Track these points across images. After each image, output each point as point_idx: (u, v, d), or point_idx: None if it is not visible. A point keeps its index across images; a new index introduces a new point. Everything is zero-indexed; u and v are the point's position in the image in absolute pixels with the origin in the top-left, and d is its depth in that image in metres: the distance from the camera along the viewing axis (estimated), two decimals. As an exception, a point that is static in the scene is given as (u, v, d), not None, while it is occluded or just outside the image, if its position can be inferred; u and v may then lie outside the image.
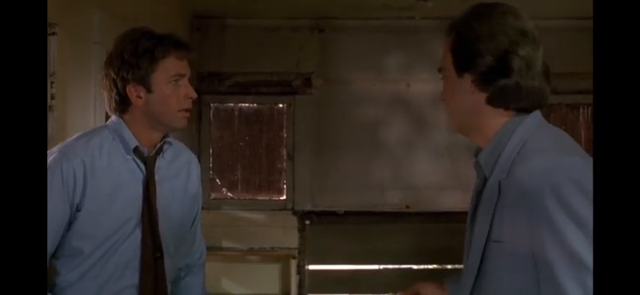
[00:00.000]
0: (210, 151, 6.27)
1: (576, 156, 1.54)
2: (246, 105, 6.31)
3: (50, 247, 2.17)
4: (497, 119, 1.63)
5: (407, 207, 6.03)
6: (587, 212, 1.44)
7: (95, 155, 2.23)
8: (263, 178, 6.32)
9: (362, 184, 6.11)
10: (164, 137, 2.35)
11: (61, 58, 3.20)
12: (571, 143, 1.62)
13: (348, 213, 6.13)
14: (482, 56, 1.59)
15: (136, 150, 2.29)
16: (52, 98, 3.16)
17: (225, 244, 6.11)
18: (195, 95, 2.36)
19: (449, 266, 6.14)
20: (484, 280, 1.59)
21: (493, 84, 1.60)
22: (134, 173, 2.29)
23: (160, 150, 2.34)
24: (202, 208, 6.16)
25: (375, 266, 6.24)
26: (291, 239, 6.15)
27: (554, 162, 1.50)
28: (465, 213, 5.83)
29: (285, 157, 6.24)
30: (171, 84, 2.26)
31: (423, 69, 6.01)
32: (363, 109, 6.11)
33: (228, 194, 6.30)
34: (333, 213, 6.13)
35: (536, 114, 1.62)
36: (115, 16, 3.92)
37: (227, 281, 6.10)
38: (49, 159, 2.17)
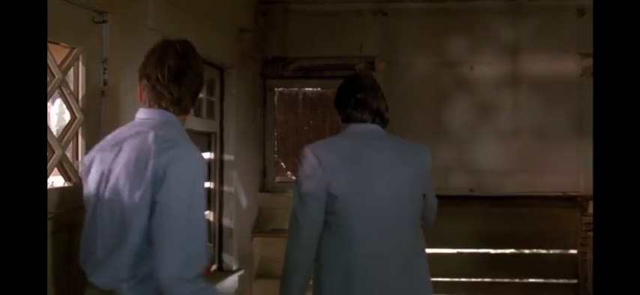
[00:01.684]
0: (275, 135, 6.34)
1: (325, 142, 3.13)
2: (310, 89, 6.35)
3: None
4: (345, 126, 3.14)
5: (471, 190, 5.98)
6: (302, 166, 3.02)
7: None
8: (326, 162, 6.35)
9: (425, 168, 6.08)
10: None
11: (112, 45, 3.30)
12: (348, 137, 3.08)
13: (411, 197, 6.12)
14: (338, 101, 3.19)
15: None
16: (105, 83, 3.28)
17: (290, 226, 6.16)
18: None
19: (512, 251, 6.10)
20: None
21: (342, 112, 3.15)
22: None
23: None
24: (267, 191, 6.29)
25: (438, 250, 6.23)
26: (353, 221, 6.18)
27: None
28: (530, 198, 5.82)
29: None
30: None
31: (486, 51, 5.96)
32: (426, 92, 6.07)
33: (293, 177, 6.36)
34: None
35: (354, 125, 3.09)
36: (170, 2, 4.00)
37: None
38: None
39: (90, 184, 2.56)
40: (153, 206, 2.37)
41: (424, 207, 3.24)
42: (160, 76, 2.53)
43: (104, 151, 2.57)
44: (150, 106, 2.58)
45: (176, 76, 2.54)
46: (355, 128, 3.05)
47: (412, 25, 6.09)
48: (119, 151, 2.51)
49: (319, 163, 2.93)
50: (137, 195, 2.38)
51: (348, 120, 3.09)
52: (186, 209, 2.37)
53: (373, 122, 3.08)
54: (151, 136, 2.45)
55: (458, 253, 6.16)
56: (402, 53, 6.08)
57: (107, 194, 2.48)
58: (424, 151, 3.19)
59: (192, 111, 2.82)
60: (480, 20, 5.98)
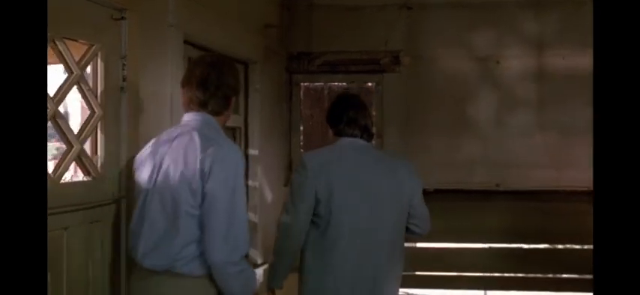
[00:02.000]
0: (301, 129, 6.37)
1: (319, 152, 3.46)
2: (336, 83, 6.37)
3: None
4: (336, 140, 3.48)
5: (497, 185, 5.95)
6: (296, 170, 3.42)
7: None
8: (352, 156, 6.36)
9: (451, 162, 6.07)
10: None
11: (131, 41, 3.34)
12: (339, 150, 3.43)
13: (437, 191, 6.10)
14: (331, 117, 3.53)
15: None
16: (124, 79, 3.32)
17: (314, 220, 6.19)
18: None
19: (540, 246, 6.05)
20: None
21: (335, 127, 3.49)
22: None
23: None
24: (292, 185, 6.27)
25: (464, 245, 6.22)
26: (381, 216, 6.19)
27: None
28: (556, 193, 5.76)
29: (374, 135, 6.25)
30: None
31: (512, 45, 5.92)
32: (451, 86, 6.06)
33: (319, 172, 6.38)
34: (423, 191, 6.10)
35: (345, 138, 3.45)
36: (192, -1, 4.04)
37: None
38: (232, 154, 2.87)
39: (142, 177, 2.94)
40: (202, 197, 2.76)
41: (413, 216, 3.57)
42: (189, 83, 2.98)
43: (155, 148, 2.96)
44: (186, 110, 3.02)
45: (202, 83, 2.95)
46: (345, 141, 3.45)
47: (437, 19, 6.07)
48: (169, 148, 2.89)
49: (309, 168, 3.32)
50: (186, 185, 2.77)
51: (339, 134, 3.48)
52: (230, 199, 2.77)
53: (361, 137, 3.47)
54: (195, 136, 2.85)
55: (489, 248, 6.14)
56: (427, 47, 6.08)
57: (158, 185, 2.86)
58: (406, 164, 3.57)
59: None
60: (505, 14, 5.94)
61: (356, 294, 3.33)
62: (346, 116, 3.45)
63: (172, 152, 2.87)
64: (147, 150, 3.01)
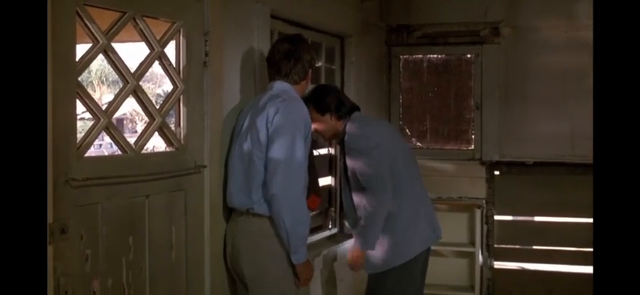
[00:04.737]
0: (400, 101, 6.41)
1: (369, 127, 4.13)
2: (435, 55, 6.36)
3: None
4: (349, 115, 4.17)
5: (599, 158, 5.77)
6: (360, 148, 3.97)
7: None
8: (451, 128, 6.35)
9: (551, 135, 5.95)
10: None
11: (214, 18, 3.49)
12: (375, 122, 4.48)
13: (537, 164, 6.01)
14: (338, 106, 4.12)
15: None
16: (206, 54, 3.48)
17: (414, 192, 6.23)
18: None
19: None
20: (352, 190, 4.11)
21: (343, 110, 4.13)
22: None
23: None
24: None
25: (566, 219, 6.09)
26: (478, 189, 6.16)
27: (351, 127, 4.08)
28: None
29: (472, 107, 6.23)
30: None
31: (616, 13, 5.69)
32: (552, 57, 5.92)
33: (418, 144, 6.42)
34: (522, 164, 6.03)
35: (357, 113, 4.20)
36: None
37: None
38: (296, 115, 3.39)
39: (233, 139, 3.58)
40: (267, 141, 3.31)
41: None
42: (274, 58, 3.57)
43: (242, 114, 3.59)
44: (271, 80, 3.60)
45: (284, 57, 3.54)
46: (360, 115, 4.23)
47: (537, -12, 5.95)
48: (248, 112, 3.50)
49: (380, 144, 4.00)
50: (255, 135, 3.34)
51: (349, 113, 4.15)
52: (290, 141, 3.27)
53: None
54: (265, 97, 3.46)
55: (585, 223, 5.99)
56: (528, 17, 5.96)
57: (239, 142, 3.47)
58: None
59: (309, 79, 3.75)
60: (610, -20, 5.72)
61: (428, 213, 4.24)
62: (346, 100, 4.23)
63: (253, 113, 3.43)
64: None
